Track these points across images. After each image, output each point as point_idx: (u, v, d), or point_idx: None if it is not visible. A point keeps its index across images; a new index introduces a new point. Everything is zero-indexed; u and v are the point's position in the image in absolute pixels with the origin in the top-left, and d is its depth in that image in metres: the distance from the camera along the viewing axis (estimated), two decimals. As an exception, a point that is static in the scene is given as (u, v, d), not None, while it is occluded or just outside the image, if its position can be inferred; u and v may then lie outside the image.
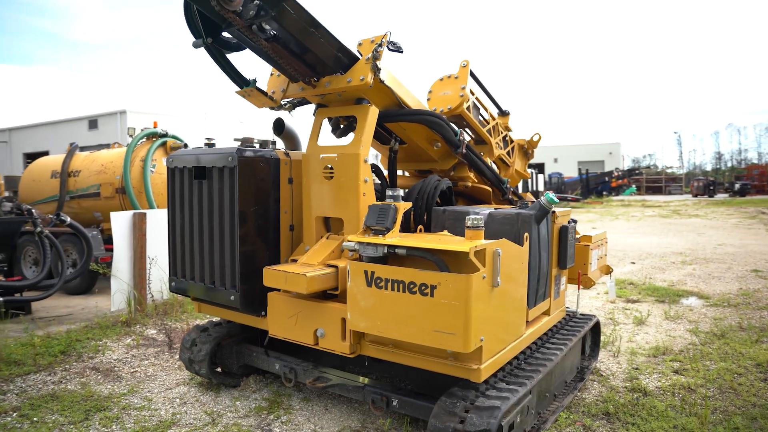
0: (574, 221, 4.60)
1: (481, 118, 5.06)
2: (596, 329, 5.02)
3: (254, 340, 4.44)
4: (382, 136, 4.33)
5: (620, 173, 44.66)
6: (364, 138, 3.60)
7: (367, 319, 3.07)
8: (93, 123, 32.75)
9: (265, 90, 3.96)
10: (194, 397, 4.28)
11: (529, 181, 30.82)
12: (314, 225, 3.79)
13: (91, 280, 8.04)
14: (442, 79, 4.83)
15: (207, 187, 3.77)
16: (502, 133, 5.34)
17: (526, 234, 3.51)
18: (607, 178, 42.77)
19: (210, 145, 4.07)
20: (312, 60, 3.50)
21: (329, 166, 3.66)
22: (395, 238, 3.15)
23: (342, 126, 3.95)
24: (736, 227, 17.84)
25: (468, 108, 4.71)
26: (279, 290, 3.59)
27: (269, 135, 4.44)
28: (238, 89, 3.88)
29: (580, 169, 41.97)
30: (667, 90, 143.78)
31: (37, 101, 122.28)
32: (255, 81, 3.84)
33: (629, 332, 6.01)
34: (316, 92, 3.73)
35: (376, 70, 3.53)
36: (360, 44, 3.89)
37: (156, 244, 6.74)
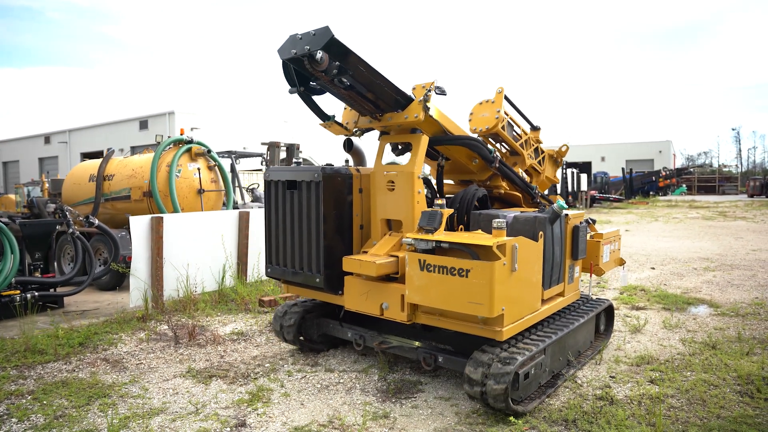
0: (593, 221, 5.75)
1: (515, 134, 6.03)
2: (609, 312, 6.06)
3: (331, 315, 5.54)
4: (431, 155, 5.44)
5: (668, 172, 43.06)
6: (418, 160, 4.72)
7: (421, 294, 4.13)
8: (143, 123, 34.39)
9: (341, 121, 5.16)
10: (186, 389, 4.71)
11: (570, 180, 30.35)
12: (380, 225, 4.92)
13: (120, 277, 8.69)
14: (481, 103, 5.83)
15: (297, 196, 4.87)
16: (533, 145, 6.26)
17: (540, 232, 4.54)
18: (654, 178, 41.35)
19: (298, 163, 5.50)
20: (377, 102, 4.63)
21: (391, 180, 4.77)
22: (441, 235, 4.18)
23: (400, 147, 5.13)
24: (781, 231, 17.11)
25: (503, 127, 5.71)
26: (353, 274, 4.68)
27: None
28: (321, 122, 5.02)
29: (623, 169, 40.75)
30: (724, 85, 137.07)
31: (95, 103, 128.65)
32: (334, 116, 5.02)
33: (621, 340, 6.06)
34: (381, 124, 4.90)
35: (426, 109, 4.65)
36: (414, 88, 4.91)
37: (174, 246, 7.27)
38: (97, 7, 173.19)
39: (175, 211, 8.90)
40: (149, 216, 7.11)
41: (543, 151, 6.41)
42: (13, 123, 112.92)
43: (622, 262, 6.28)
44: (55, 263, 8.81)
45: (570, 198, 29.33)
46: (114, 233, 7.88)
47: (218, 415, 4.19)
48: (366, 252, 4.79)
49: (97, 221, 7.49)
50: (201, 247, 7.69)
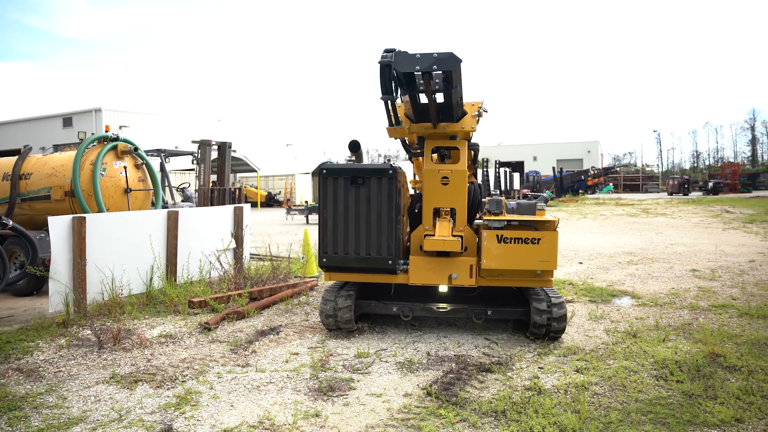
0: None
1: None
2: None
3: (367, 296, 6.23)
4: (445, 156, 6.28)
5: (596, 171, 45.17)
6: (465, 160, 5.85)
7: (497, 260, 5.43)
8: (67, 120, 32.55)
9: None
10: (109, 395, 4.48)
11: (503, 179, 31.23)
12: (431, 213, 5.83)
13: (39, 281, 8.16)
14: None
15: (365, 189, 5.54)
16: None
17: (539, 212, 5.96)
18: (583, 177, 43.26)
19: (352, 160, 6.38)
20: (444, 114, 5.57)
21: (446, 176, 5.75)
22: (509, 216, 5.51)
23: (418, 150, 6.15)
24: (696, 226, 18.29)
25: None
26: (415, 254, 5.74)
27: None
28: (389, 126, 5.87)
29: (554, 168, 42.44)
30: (647, 88, 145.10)
31: (16, 98, 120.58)
32: (401, 122, 5.90)
33: (549, 332, 6.27)
34: (436, 131, 5.81)
35: (476, 123, 5.78)
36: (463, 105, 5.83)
37: (98, 247, 6.90)
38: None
39: (100, 211, 8.47)
40: (70, 216, 6.71)
41: None
42: None
43: None
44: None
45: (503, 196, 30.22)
46: (31, 235, 7.40)
47: (143, 420, 4.00)
48: (432, 234, 5.66)
49: (11, 222, 7.01)
50: (127, 248, 7.35)
